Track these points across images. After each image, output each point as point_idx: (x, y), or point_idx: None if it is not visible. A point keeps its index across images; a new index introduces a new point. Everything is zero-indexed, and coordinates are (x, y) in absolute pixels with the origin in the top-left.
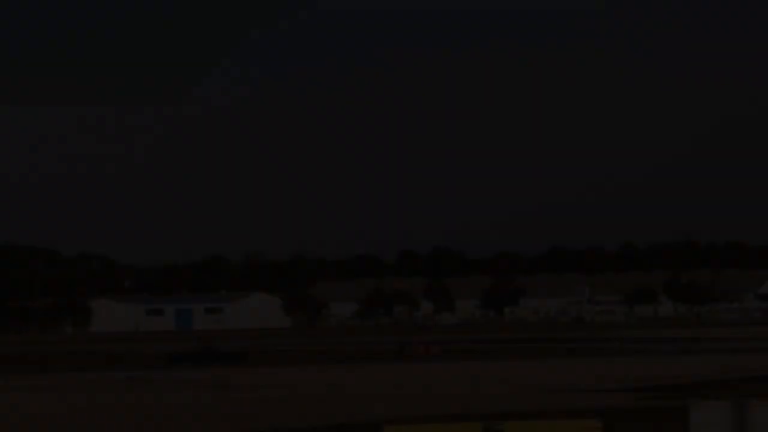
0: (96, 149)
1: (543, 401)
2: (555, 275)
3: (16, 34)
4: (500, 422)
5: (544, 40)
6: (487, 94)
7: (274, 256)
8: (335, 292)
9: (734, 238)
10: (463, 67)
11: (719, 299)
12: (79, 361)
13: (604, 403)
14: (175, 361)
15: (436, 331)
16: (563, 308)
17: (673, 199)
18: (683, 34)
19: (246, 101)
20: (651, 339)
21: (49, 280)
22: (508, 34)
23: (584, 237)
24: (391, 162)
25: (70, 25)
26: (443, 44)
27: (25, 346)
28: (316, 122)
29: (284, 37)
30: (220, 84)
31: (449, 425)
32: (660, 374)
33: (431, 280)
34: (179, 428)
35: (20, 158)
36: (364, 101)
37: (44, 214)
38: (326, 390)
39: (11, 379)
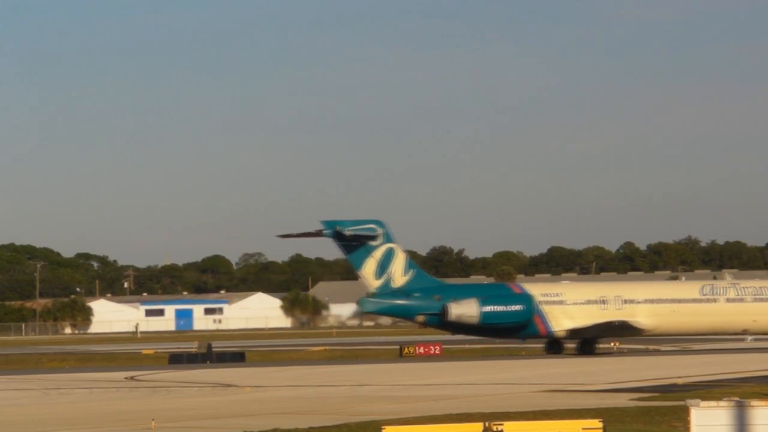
0: None
1: (543, 401)
2: (555, 275)
3: None
4: (500, 422)
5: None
6: (485, 94)
7: (275, 256)
8: (335, 292)
9: (734, 238)
10: (461, 66)
11: None
12: (80, 361)
13: (604, 403)
14: (175, 361)
15: (436, 331)
16: None
17: (673, 199)
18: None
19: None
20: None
21: (49, 280)
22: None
23: (584, 237)
24: (391, 162)
25: None
26: (445, 47)
27: (24, 346)
28: (316, 121)
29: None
30: None
31: (449, 425)
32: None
33: None
34: (179, 429)
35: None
36: (364, 100)
37: (44, 214)
38: (326, 390)
39: (11, 380)
